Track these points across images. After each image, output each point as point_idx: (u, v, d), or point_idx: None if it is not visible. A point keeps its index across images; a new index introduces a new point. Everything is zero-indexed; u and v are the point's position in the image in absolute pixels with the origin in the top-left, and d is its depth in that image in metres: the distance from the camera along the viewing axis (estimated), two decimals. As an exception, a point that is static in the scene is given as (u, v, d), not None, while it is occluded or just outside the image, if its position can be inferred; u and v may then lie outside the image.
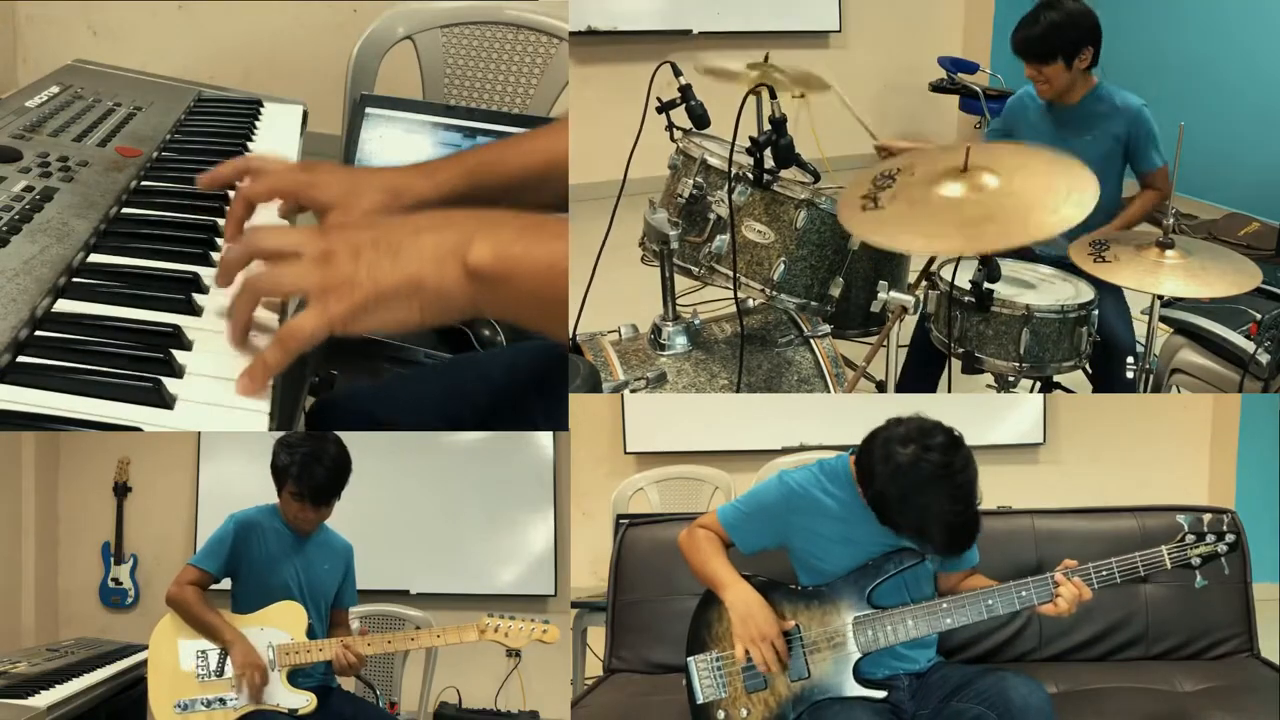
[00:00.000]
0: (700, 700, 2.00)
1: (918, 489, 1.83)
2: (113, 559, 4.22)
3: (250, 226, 1.58)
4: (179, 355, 1.32)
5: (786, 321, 2.75)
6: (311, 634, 2.35)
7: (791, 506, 2.02)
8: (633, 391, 2.55)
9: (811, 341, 2.71)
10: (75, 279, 1.45)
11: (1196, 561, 1.95)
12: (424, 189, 1.62)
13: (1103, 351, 2.88)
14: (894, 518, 1.89)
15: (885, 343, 2.70)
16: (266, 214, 1.65)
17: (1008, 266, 2.75)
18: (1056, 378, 2.89)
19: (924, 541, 1.89)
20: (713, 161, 2.55)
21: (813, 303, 2.58)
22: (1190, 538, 1.95)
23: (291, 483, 2.35)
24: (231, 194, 1.69)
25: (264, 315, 1.38)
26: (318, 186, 1.59)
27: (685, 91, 2.59)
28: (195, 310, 1.44)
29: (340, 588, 2.49)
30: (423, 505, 4.11)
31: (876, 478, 1.88)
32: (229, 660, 2.30)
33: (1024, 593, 1.94)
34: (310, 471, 2.33)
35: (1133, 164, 3.07)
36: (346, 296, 1.26)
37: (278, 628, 2.33)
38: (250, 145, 2.20)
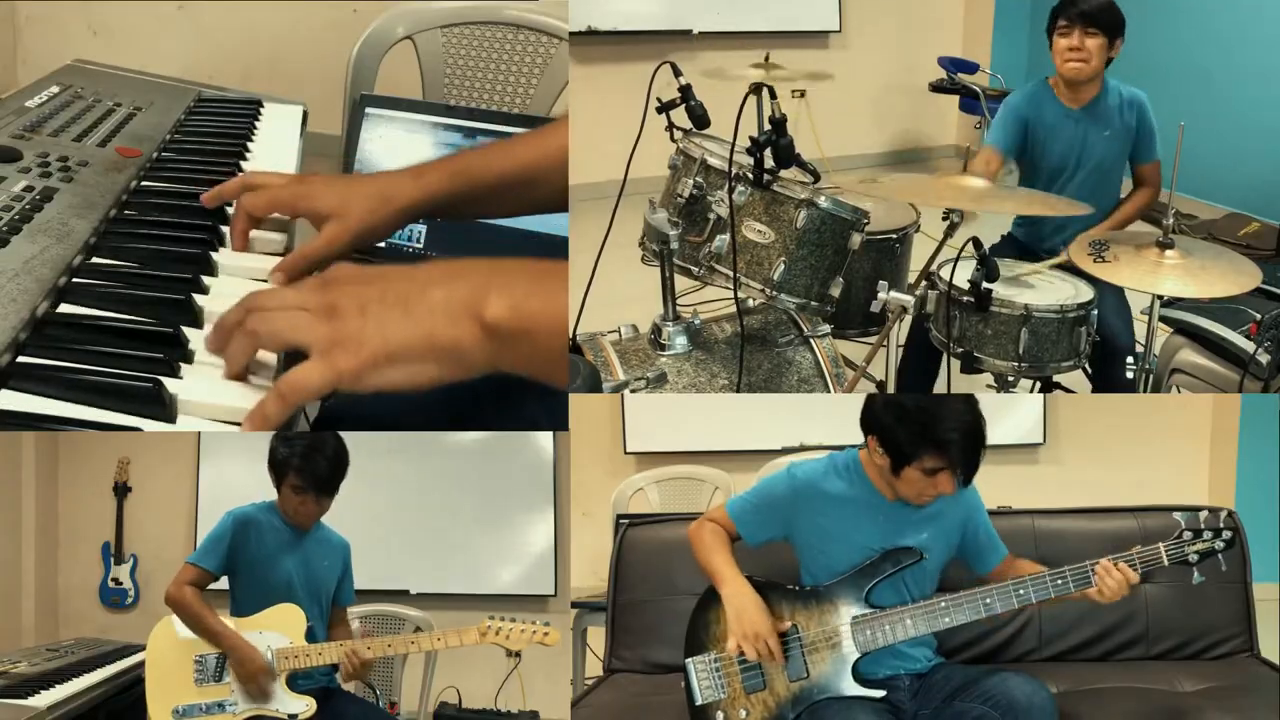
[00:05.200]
0: (699, 701, 2.00)
1: (935, 401, 1.93)
2: (113, 559, 4.22)
3: (247, 294, 1.59)
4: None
5: (786, 321, 2.75)
6: (311, 634, 2.35)
7: (797, 498, 2.03)
8: (633, 391, 2.55)
9: (811, 341, 2.71)
10: (75, 279, 1.45)
11: (1194, 558, 1.95)
12: (411, 191, 1.64)
13: (1103, 351, 2.88)
14: (909, 432, 1.89)
15: (885, 343, 2.70)
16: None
17: (1006, 266, 2.75)
18: (1056, 378, 2.88)
19: (940, 451, 1.87)
20: (713, 161, 2.55)
21: (813, 303, 2.57)
22: (1188, 534, 1.95)
23: (294, 475, 2.34)
24: (231, 209, 1.72)
25: (263, 355, 1.34)
26: (313, 197, 1.62)
27: (685, 92, 2.59)
28: (195, 310, 1.44)
29: (339, 584, 2.49)
30: (423, 505, 4.11)
31: (893, 402, 1.95)
32: (229, 666, 2.30)
33: (1022, 591, 1.94)
34: (313, 462, 2.33)
35: (1133, 157, 3.07)
36: (355, 353, 1.21)
37: (276, 631, 2.32)
38: (250, 145, 2.20)
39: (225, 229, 1.71)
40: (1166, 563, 1.95)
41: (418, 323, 1.23)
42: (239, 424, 1.24)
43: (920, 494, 1.93)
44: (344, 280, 1.30)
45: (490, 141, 1.90)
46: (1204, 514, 1.96)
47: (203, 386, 1.28)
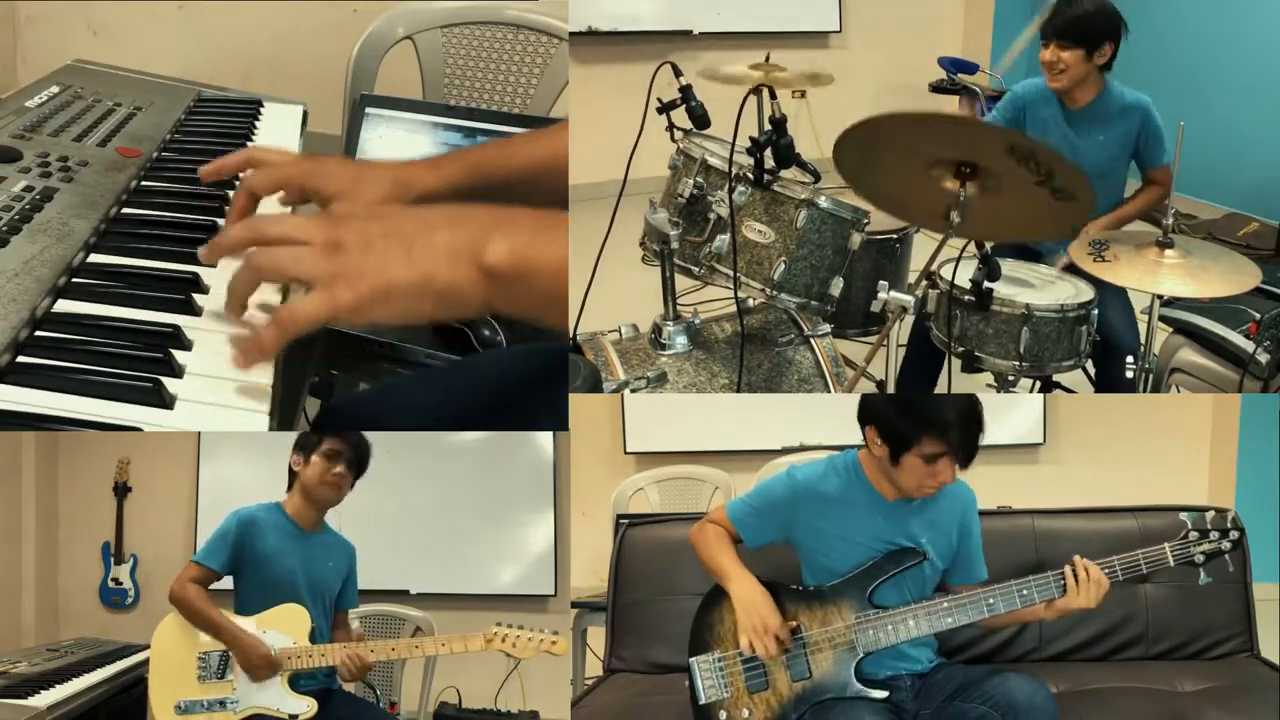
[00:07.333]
0: (702, 700, 2.00)
1: (932, 393, 1.88)
2: (113, 559, 4.22)
3: (255, 216, 1.58)
4: (179, 355, 1.32)
5: (787, 321, 2.75)
6: (315, 635, 2.35)
7: (797, 501, 2.03)
8: (633, 391, 2.55)
9: (812, 341, 2.71)
10: (75, 279, 1.45)
11: (1200, 559, 1.95)
12: (429, 181, 1.63)
13: (1103, 351, 2.88)
14: (909, 417, 1.89)
15: (885, 342, 2.70)
16: (269, 205, 1.64)
17: (1007, 266, 2.75)
18: (1056, 377, 2.88)
19: (939, 433, 1.87)
20: (713, 161, 2.55)
21: (813, 302, 2.58)
22: (1194, 535, 1.95)
23: (328, 441, 2.36)
24: (234, 189, 1.69)
25: (267, 296, 1.36)
26: (323, 176, 1.59)
27: (685, 92, 2.59)
28: (195, 310, 1.44)
29: (343, 587, 2.49)
30: (423, 505, 4.11)
31: (891, 396, 1.92)
32: (232, 661, 2.30)
33: (1025, 591, 1.94)
34: (345, 435, 2.36)
35: (1139, 161, 3.06)
36: (354, 286, 1.24)
37: (280, 631, 2.32)
38: (250, 145, 2.20)
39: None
40: (1172, 563, 1.95)
41: (418, 262, 1.26)
42: (237, 421, 1.24)
43: (921, 485, 1.93)
44: (350, 216, 1.33)
45: (504, 137, 1.89)
46: (1210, 514, 1.96)
47: (203, 385, 1.29)
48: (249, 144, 2.20)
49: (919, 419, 1.89)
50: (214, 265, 1.35)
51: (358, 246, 1.26)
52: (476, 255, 1.27)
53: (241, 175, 1.68)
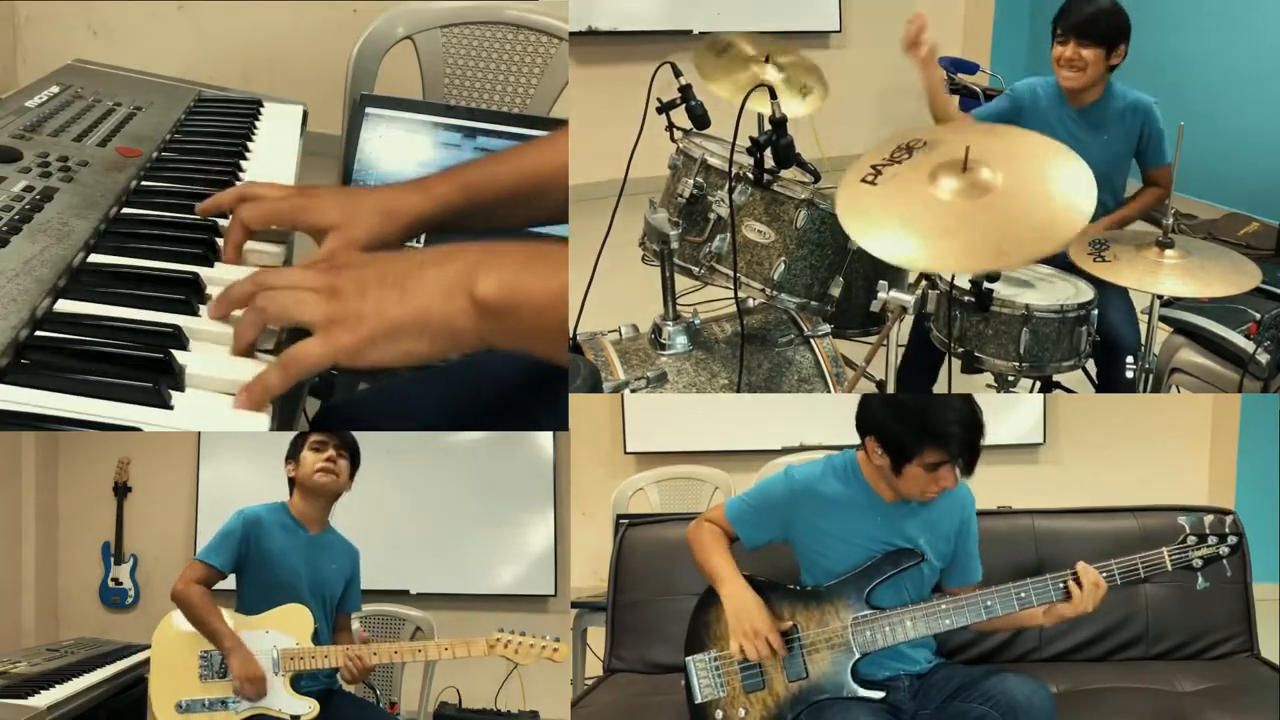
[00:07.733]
0: (698, 700, 2.00)
1: (931, 397, 1.89)
2: (113, 559, 4.22)
3: (257, 270, 1.60)
4: (179, 355, 1.32)
5: (787, 321, 2.75)
6: (317, 636, 2.35)
7: (795, 500, 2.03)
8: (633, 391, 2.55)
9: (811, 341, 2.71)
10: (75, 279, 1.45)
11: (1198, 563, 1.95)
12: (420, 205, 1.65)
13: (1103, 351, 2.88)
14: (909, 429, 1.89)
15: (885, 343, 2.70)
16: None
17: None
18: (1056, 377, 2.88)
19: (940, 443, 1.87)
20: (713, 161, 2.55)
21: (813, 302, 2.58)
22: (1192, 539, 1.95)
23: (313, 436, 2.38)
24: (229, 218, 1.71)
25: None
26: (315, 210, 1.61)
27: (685, 92, 2.59)
28: (195, 310, 1.44)
29: (346, 591, 2.49)
30: (423, 505, 4.11)
31: (890, 401, 1.94)
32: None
33: (1023, 594, 1.94)
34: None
35: (1141, 160, 3.05)
36: (353, 330, 1.29)
37: (282, 631, 2.32)
38: (250, 145, 2.20)
39: (225, 223, 1.70)
40: (1170, 568, 1.95)
41: (413, 300, 1.30)
42: (237, 421, 1.24)
43: (924, 491, 1.93)
44: (346, 263, 1.38)
45: (494, 153, 1.90)
46: (1209, 518, 1.96)
47: (203, 385, 1.29)
48: (249, 145, 2.20)
49: (920, 430, 1.88)
50: (222, 318, 1.40)
51: (355, 291, 1.31)
52: (468, 288, 1.30)
53: (235, 209, 1.68)
